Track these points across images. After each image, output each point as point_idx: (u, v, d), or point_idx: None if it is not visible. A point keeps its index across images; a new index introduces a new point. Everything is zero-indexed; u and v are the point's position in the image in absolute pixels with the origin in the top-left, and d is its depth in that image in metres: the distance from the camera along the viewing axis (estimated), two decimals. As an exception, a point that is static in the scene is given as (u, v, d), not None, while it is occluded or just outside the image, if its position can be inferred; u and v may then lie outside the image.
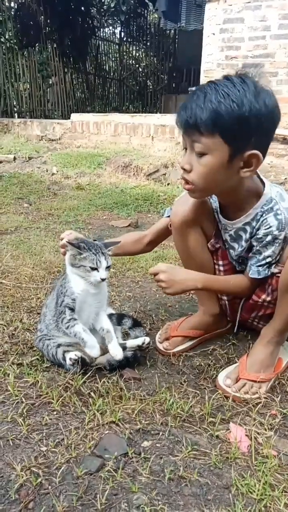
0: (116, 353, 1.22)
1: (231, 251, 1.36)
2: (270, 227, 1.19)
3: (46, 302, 1.40)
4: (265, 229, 1.20)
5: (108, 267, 1.24)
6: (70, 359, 1.20)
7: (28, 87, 8.71)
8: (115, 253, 1.38)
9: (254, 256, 1.26)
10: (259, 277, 1.25)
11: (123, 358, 1.23)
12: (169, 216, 1.42)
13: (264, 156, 1.11)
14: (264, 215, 1.20)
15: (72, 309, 1.24)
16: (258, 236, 1.22)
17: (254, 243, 1.25)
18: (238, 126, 1.04)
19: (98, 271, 1.21)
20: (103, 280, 1.22)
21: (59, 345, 1.27)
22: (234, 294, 1.38)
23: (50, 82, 9.18)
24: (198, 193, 1.22)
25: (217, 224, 1.36)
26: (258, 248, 1.24)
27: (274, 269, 1.23)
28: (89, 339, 1.20)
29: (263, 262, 1.24)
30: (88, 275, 1.22)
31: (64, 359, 1.23)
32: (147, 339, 1.33)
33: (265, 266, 1.24)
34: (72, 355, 1.20)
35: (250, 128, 1.05)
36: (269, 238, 1.20)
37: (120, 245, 1.37)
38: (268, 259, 1.23)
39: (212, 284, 1.32)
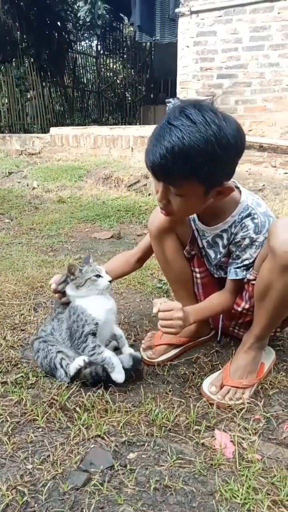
0: (117, 377, 1.26)
1: (209, 257, 1.40)
2: (248, 230, 1.23)
3: (51, 318, 1.41)
4: (243, 233, 1.24)
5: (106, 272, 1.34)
6: (79, 365, 1.24)
7: (6, 102, 8.71)
8: None
9: (234, 261, 1.30)
10: (237, 277, 1.29)
11: (104, 374, 1.25)
12: None
13: (232, 174, 1.16)
14: (242, 221, 1.24)
15: (94, 334, 1.28)
16: (236, 240, 1.26)
17: (233, 249, 1.29)
18: (211, 167, 1.04)
19: (102, 276, 1.29)
20: (110, 282, 1.32)
21: (59, 351, 1.29)
22: (222, 312, 1.40)
23: (28, 96, 9.20)
24: (176, 218, 1.31)
25: (193, 232, 1.39)
26: (237, 253, 1.28)
27: (249, 276, 1.27)
28: (118, 365, 1.25)
29: (241, 264, 1.28)
30: (96, 284, 1.28)
31: (61, 365, 1.26)
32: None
33: (242, 268, 1.28)
34: (81, 361, 1.24)
35: (222, 164, 1.08)
36: (246, 241, 1.24)
37: (109, 271, 1.42)
38: (246, 262, 1.27)
39: (202, 313, 1.33)
